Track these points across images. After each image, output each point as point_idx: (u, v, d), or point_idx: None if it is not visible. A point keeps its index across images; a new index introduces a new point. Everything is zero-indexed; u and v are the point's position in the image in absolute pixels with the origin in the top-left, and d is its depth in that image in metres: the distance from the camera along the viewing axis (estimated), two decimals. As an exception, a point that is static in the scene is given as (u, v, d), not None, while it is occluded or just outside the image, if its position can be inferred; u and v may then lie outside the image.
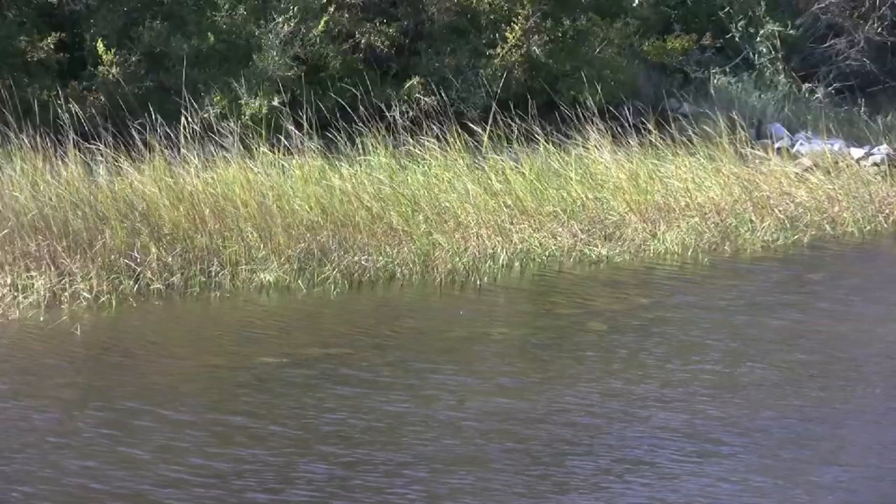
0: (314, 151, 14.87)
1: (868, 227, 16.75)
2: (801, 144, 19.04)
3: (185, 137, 14.48)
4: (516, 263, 14.03)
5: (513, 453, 9.05)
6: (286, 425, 9.39)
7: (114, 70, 15.80)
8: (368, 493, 8.39)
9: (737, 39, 21.16)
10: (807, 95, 21.13)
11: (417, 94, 17.05)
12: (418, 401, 10.00)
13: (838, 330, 12.25)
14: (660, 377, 10.67)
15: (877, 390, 10.64)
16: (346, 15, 17.56)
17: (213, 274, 12.81)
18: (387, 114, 16.32)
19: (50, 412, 9.58)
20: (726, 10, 21.32)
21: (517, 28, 17.84)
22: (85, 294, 12.09)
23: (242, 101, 15.96)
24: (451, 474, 8.69)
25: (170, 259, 12.67)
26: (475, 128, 16.28)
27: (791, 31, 21.38)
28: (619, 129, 16.88)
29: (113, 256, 12.49)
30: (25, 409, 9.63)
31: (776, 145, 18.84)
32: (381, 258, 13.41)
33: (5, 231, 12.42)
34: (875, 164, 18.80)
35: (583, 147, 16.59)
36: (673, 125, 17.39)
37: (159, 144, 14.20)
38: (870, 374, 10.97)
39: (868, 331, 12.26)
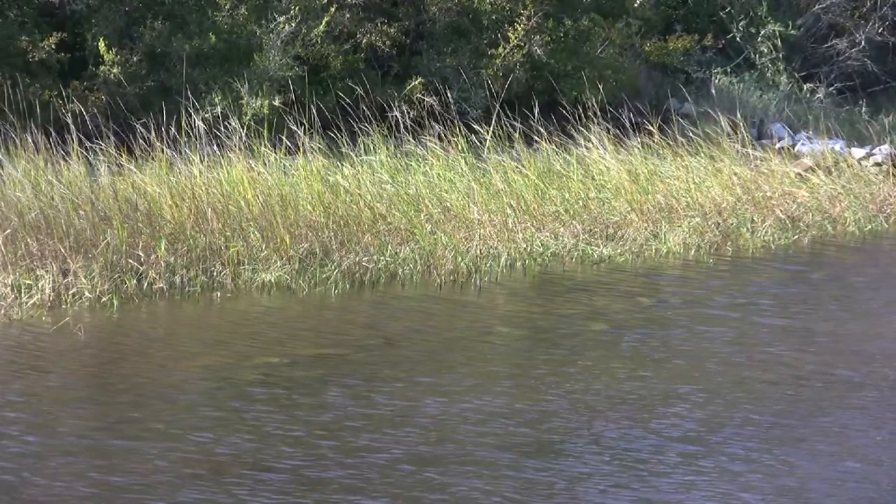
0: (316, 151, 14.87)
1: (869, 227, 16.76)
2: (803, 144, 19.06)
3: (188, 135, 14.48)
4: (518, 263, 14.04)
5: (513, 453, 9.06)
6: (286, 424, 9.40)
7: (115, 70, 15.82)
8: (366, 491, 8.40)
9: (738, 40, 21.18)
10: (808, 95, 21.17)
11: (419, 95, 17.06)
12: (418, 400, 10.01)
13: (839, 330, 12.25)
14: (660, 378, 10.67)
15: (874, 394, 10.62)
16: (348, 15, 17.58)
17: (215, 274, 12.82)
18: (388, 114, 16.33)
19: (52, 412, 9.58)
20: (727, 10, 21.35)
21: (519, 28, 17.86)
22: (87, 294, 12.10)
23: (244, 101, 15.97)
24: (450, 473, 8.70)
25: (172, 259, 12.68)
26: (477, 128, 16.29)
27: (792, 32, 21.42)
28: (620, 129, 16.89)
29: (115, 256, 12.49)
30: (28, 409, 9.64)
31: (777, 145, 18.85)
32: (382, 258, 13.42)
33: (7, 231, 12.42)
34: (876, 164, 18.82)
35: (584, 147, 16.60)
36: (674, 125, 17.40)
37: (161, 144, 14.20)
38: (869, 376, 10.96)
39: (869, 330, 12.26)
